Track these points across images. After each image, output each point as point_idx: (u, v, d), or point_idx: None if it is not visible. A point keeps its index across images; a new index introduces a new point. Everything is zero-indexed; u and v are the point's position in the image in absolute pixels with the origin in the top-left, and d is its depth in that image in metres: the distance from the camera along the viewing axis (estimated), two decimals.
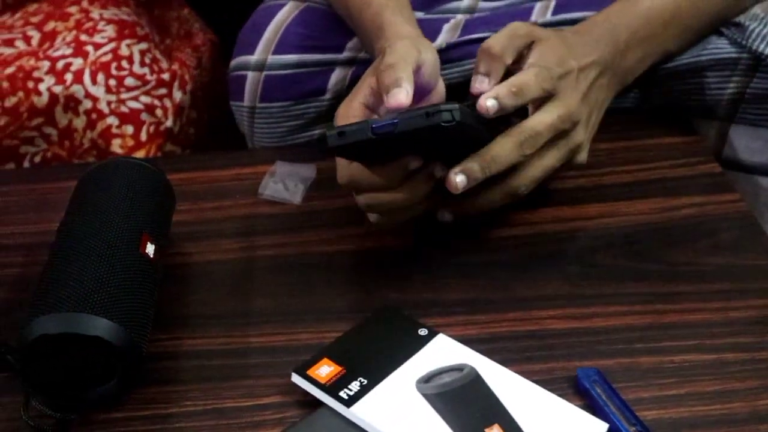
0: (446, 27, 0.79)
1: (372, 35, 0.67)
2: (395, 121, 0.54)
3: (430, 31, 0.78)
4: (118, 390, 0.53)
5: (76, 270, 0.54)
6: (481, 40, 0.77)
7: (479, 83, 0.62)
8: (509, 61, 0.62)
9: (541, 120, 0.60)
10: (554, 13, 0.79)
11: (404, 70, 0.58)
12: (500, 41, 0.63)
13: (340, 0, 0.75)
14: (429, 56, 0.61)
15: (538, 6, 0.81)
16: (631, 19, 0.69)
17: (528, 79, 0.60)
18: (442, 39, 0.77)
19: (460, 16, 0.81)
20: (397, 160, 0.58)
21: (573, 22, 0.79)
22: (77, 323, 0.51)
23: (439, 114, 0.53)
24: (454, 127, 0.54)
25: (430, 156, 0.59)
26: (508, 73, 0.62)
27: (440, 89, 0.64)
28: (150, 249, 0.58)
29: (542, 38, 0.64)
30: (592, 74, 0.65)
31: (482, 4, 0.83)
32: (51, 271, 0.55)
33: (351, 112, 0.60)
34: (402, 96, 0.56)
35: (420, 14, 0.82)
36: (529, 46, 0.63)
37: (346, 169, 0.60)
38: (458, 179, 0.58)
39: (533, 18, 0.79)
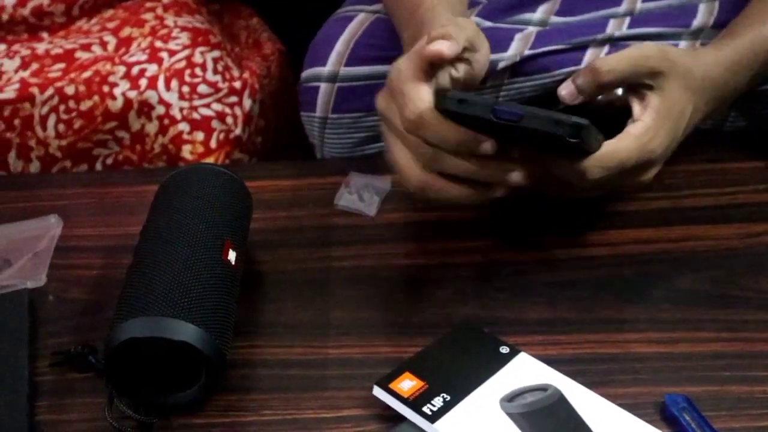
0: (518, 36, 0.78)
1: (418, 30, 0.64)
2: (521, 113, 0.52)
3: (501, 39, 0.78)
4: (201, 395, 0.53)
5: (162, 274, 0.54)
6: (556, 52, 0.76)
7: (569, 96, 0.60)
8: (609, 92, 0.60)
9: (629, 157, 0.58)
10: (631, 25, 0.78)
11: (454, 30, 0.56)
12: (615, 72, 0.59)
13: (393, 6, 0.73)
14: (484, 40, 0.59)
15: (612, 21, 0.80)
16: (755, 62, 0.65)
17: (626, 154, 0.57)
18: (516, 50, 0.77)
19: (531, 28, 0.80)
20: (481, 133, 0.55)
21: (648, 37, 0.78)
22: (164, 328, 0.51)
23: (567, 127, 0.52)
24: (575, 143, 0.52)
25: (515, 142, 0.57)
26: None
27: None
28: (232, 256, 0.58)
29: (665, 87, 0.59)
30: (694, 125, 0.63)
31: (554, 19, 0.82)
32: (137, 274, 0.55)
33: (413, 63, 0.57)
34: (445, 46, 0.54)
35: (488, 23, 0.81)
36: (648, 85, 0.59)
37: (418, 106, 0.55)
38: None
39: (609, 29, 0.78)
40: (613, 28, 0.78)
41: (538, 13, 0.82)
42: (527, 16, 0.82)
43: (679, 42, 0.77)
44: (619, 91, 0.79)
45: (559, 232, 0.66)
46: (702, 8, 0.79)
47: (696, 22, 0.77)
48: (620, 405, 0.52)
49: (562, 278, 0.63)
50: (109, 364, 0.52)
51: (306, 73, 0.82)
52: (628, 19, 0.79)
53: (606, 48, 0.77)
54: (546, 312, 0.60)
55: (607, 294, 0.61)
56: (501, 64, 0.76)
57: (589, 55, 0.77)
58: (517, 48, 0.77)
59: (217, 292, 0.55)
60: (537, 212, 0.68)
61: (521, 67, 0.76)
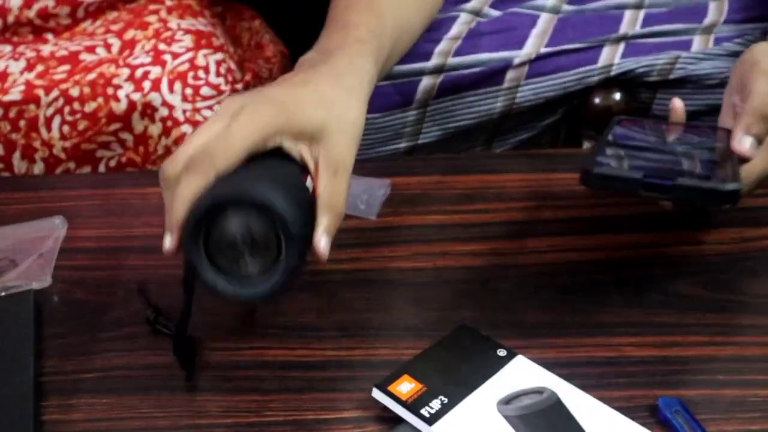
0: (534, 32, 0.79)
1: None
2: (670, 185, 0.52)
3: (516, 36, 0.79)
4: (283, 279, 0.51)
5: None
6: (573, 51, 0.77)
7: (751, 151, 0.58)
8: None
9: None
10: (644, 24, 0.79)
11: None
12: None
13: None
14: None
15: (627, 14, 0.81)
16: None
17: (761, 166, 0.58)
18: (531, 48, 0.78)
19: (545, 17, 0.81)
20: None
21: (662, 34, 0.79)
22: (248, 191, 0.50)
23: (722, 197, 0.52)
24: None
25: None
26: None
27: None
28: (309, 182, 0.56)
29: None
30: None
31: (566, 7, 0.83)
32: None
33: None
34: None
35: (498, 12, 0.82)
36: None
37: None
38: None
39: (623, 28, 0.79)
40: (626, 27, 0.79)
41: (551, 1, 0.83)
42: (540, 2, 0.83)
43: (693, 37, 0.79)
44: (617, 96, 0.80)
45: (556, 237, 0.67)
46: (712, 6, 0.80)
47: (707, 19, 0.78)
48: (615, 408, 0.53)
49: (559, 282, 0.64)
50: (195, 228, 0.51)
51: None
52: (641, 17, 0.80)
53: (622, 46, 0.78)
54: (543, 315, 0.61)
55: (603, 298, 0.62)
56: (516, 60, 0.77)
57: (605, 53, 0.78)
58: (534, 45, 0.78)
59: (297, 192, 0.54)
60: (533, 216, 0.69)
61: (538, 67, 0.78)
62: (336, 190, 0.55)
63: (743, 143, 0.58)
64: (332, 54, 0.59)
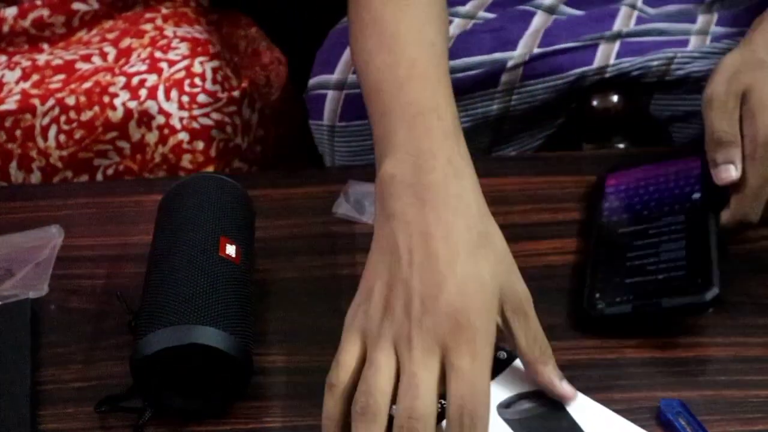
0: (527, 34, 0.79)
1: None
2: (657, 310, 0.57)
3: (510, 27, 0.79)
4: (229, 398, 0.55)
5: (168, 285, 0.55)
6: (566, 50, 0.77)
7: (725, 173, 0.60)
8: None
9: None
10: (638, 22, 0.79)
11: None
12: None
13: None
14: None
15: (622, 11, 0.81)
16: None
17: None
18: (525, 48, 0.77)
19: (539, 18, 0.80)
20: None
21: (656, 33, 0.79)
22: (185, 335, 0.52)
23: (706, 305, 0.56)
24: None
25: None
26: None
27: None
28: (231, 250, 0.58)
29: (755, 87, 0.60)
30: None
31: (564, 8, 0.83)
32: (147, 289, 0.57)
33: None
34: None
35: (492, 15, 0.82)
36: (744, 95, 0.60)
37: None
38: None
39: (616, 26, 0.79)
40: (620, 25, 0.79)
41: (548, 0, 0.83)
42: (538, 1, 0.83)
43: (689, 38, 0.78)
44: (615, 98, 0.80)
45: (555, 239, 0.67)
46: (700, 18, 0.80)
47: (700, 21, 0.78)
48: (616, 410, 0.53)
49: (558, 285, 0.63)
50: (137, 378, 0.53)
51: (313, 81, 0.82)
52: (635, 15, 0.80)
53: (617, 45, 0.78)
54: (543, 318, 0.60)
55: None
56: (510, 63, 0.77)
57: (600, 52, 0.78)
58: (526, 46, 0.78)
59: (216, 290, 0.55)
60: (532, 219, 0.69)
61: (532, 69, 0.77)
62: (535, 331, 0.53)
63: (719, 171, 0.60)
64: (436, 170, 0.53)
